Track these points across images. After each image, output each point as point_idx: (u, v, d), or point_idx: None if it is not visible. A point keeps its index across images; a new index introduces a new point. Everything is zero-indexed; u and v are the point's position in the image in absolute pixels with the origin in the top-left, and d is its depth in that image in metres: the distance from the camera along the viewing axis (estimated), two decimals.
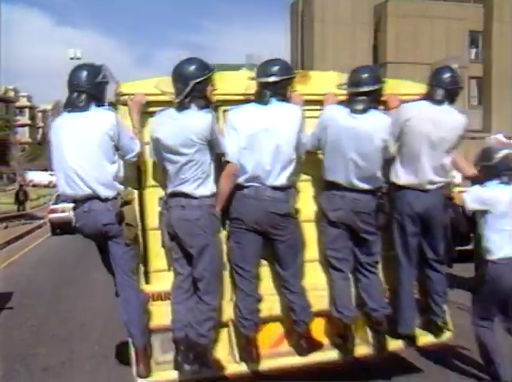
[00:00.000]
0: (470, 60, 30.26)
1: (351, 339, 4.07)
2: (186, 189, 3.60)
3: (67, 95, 3.64)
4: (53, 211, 18.06)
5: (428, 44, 28.52)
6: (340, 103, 3.93)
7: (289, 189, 3.76)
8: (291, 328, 3.99)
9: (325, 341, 4.12)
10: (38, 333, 6.54)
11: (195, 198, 3.60)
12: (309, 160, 4.01)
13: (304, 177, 4.09)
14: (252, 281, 3.83)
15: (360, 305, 4.09)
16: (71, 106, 3.63)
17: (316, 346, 4.01)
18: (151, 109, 3.76)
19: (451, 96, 4.04)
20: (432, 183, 3.98)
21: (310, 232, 4.09)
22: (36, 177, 48.85)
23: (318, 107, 4.01)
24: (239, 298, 3.83)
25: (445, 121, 3.95)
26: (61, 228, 17.14)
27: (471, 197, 4.19)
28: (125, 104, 3.75)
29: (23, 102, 70.73)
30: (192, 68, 3.58)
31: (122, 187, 3.65)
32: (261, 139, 3.67)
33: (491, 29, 30.50)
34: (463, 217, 4.27)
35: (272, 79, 3.72)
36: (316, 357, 4.01)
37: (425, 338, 4.35)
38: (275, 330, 4.09)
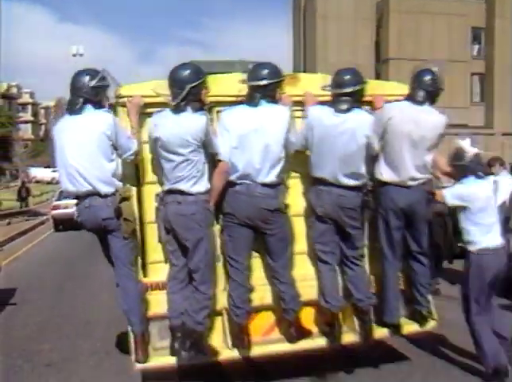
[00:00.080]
0: (472, 57, 30.16)
1: (339, 327, 4.31)
2: (182, 186, 3.83)
3: (70, 98, 3.90)
4: (56, 207, 17.89)
5: (430, 40, 28.30)
6: (325, 103, 4.13)
7: (279, 185, 3.99)
8: (282, 317, 4.22)
9: (314, 329, 4.35)
10: (41, 328, 6.55)
11: (191, 194, 3.84)
12: (299, 158, 4.23)
13: (293, 174, 4.32)
14: (244, 272, 4.06)
15: (347, 296, 4.31)
16: (70, 109, 3.89)
17: (305, 334, 4.25)
18: (148, 110, 4.00)
19: (431, 97, 4.25)
20: (413, 179, 4.20)
21: (300, 226, 4.30)
22: (39, 173, 48.61)
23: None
24: (232, 287, 4.06)
25: (425, 121, 4.16)
26: (64, 224, 17.01)
27: (451, 194, 4.42)
28: (124, 106, 3.99)
29: (25, 98, 70.61)
30: (188, 73, 3.82)
31: (120, 184, 3.89)
32: (252, 139, 3.90)
33: (493, 25, 30.16)
34: None
35: (262, 82, 3.96)
36: (305, 344, 4.24)
37: (410, 327, 4.57)
38: (267, 319, 4.31)
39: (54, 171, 36.79)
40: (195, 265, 3.90)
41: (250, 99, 3.99)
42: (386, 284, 4.39)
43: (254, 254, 4.19)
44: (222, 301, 4.12)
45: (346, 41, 28.82)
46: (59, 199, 17.87)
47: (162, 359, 4.02)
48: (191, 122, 3.79)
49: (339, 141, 4.02)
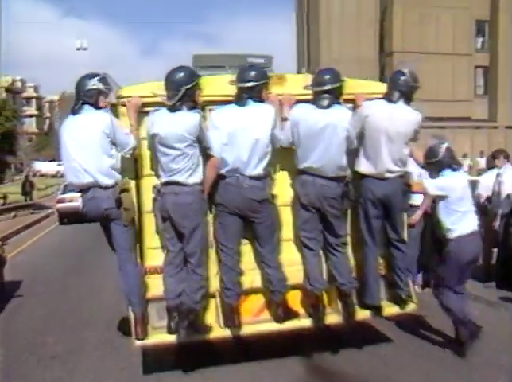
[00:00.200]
0: (476, 50, 29.81)
1: (323, 309, 4.67)
2: (179, 178, 4.20)
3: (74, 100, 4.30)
4: (61, 201, 17.80)
5: (434, 33, 27.90)
6: (306, 101, 4.46)
7: (265, 178, 4.36)
8: (270, 299, 4.57)
9: (300, 310, 4.70)
10: (47, 321, 6.60)
11: (188, 185, 4.20)
12: (286, 153, 4.56)
13: (281, 167, 4.66)
14: (234, 257, 4.43)
15: (331, 280, 4.66)
16: (72, 110, 4.28)
17: (292, 315, 4.61)
18: (146, 109, 4.36)
19: (406, 96, 4.60)
20: (390, 172, 4.55)
21: (287, 215, 4.64)
22: (44, 167, 48.64)
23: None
24: (223, 271, 4.42)
25: (400, 118, 4.52)
26: (69, 217, 17.00)
27: (433, 185, 4.84)
28: (124, 105, 4.35)
29: (30, 92, 70.71)
30: (183, 75, 4.19)
31: (119, 177, 4.25)
32: (240, 136, 4.27)
33: (498, 18, 29.82)
34: None
35: (248, 84, 4.32)
36: (292, 324, 4.60)
37: (391, 309, 4.92)
38: (257, 301, 4.67)
39: (59, 165, 36.99)
40: (192, 250, 4.27)
41: (239, 99, 4.36)
42: (367, 269, 4.74)
43: (244, 240, 4.54)
44: (215, 284, 4.48)
45: (350, 34, 28.52)
46: (64, 192, 17.86)
47: (160, 336, 4.38)
48: (186, 120, 4.15)
49: (322, 134, 4.36)
